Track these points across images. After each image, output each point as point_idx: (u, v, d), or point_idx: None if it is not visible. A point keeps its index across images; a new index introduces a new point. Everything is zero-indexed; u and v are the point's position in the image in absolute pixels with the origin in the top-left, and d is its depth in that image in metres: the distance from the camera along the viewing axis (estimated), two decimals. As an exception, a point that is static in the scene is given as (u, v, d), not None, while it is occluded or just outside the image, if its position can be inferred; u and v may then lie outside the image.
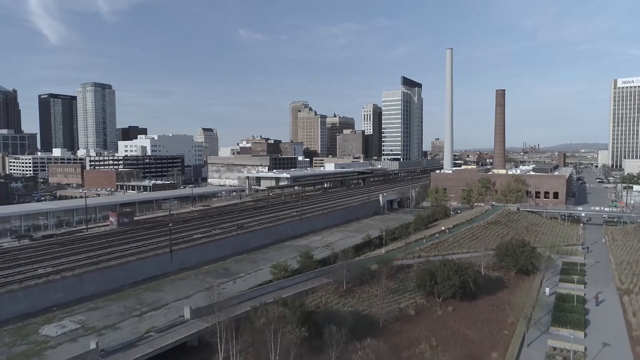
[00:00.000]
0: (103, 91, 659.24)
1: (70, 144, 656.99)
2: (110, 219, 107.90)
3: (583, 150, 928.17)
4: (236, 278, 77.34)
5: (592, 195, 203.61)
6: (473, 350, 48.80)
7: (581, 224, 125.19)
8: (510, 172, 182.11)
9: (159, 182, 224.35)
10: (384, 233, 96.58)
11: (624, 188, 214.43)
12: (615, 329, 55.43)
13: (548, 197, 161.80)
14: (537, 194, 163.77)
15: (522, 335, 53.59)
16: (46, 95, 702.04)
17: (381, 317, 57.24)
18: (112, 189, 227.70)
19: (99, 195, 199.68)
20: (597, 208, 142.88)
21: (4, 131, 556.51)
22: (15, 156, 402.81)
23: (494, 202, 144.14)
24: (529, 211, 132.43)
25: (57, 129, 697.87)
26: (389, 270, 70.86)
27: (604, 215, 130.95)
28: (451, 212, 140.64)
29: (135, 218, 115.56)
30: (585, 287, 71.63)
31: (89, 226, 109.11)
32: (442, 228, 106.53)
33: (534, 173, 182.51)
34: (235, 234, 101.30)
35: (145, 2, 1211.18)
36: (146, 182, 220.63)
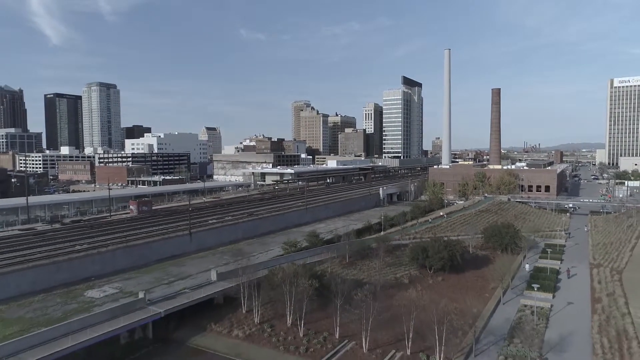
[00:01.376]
0: (108, 91, 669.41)
1: (76, 142, 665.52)
2: (131, 207, 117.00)
3: (584, 150, 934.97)
4: (250, 256, 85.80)
5: (585, 190, 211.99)
6: (456, 305, 57.48)
7: (568, 214, 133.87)
8: (504, 168, 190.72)
9: (168, 177, 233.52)
10: (382, 219, 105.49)
11: (616, 184, 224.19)
12: (580, 292, 64.31)
13: (540, 191, 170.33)
14: (530, 187, 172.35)
15: (500, 296, 62.48)
16: (52, 95, 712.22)
17: (379, 283, 65.98)
18: (123, 184, 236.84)
19: (110, 189, 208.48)
20: (585, 200, 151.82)
21: (12, 130, 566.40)
22: (26, 154, 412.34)
23: (486, 194, 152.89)
24: (519, 202, 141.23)
25: (62, 127, 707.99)
26: (386, 248, 79.74)
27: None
28: (446, 203, 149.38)
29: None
30: (561, 263, 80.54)
31: (110, 214, 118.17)
32: (441, 213, 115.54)
33: (526, 168, 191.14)
34: (246, 220, 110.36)
35: (146, 2, 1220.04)
36: (156, 178, 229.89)
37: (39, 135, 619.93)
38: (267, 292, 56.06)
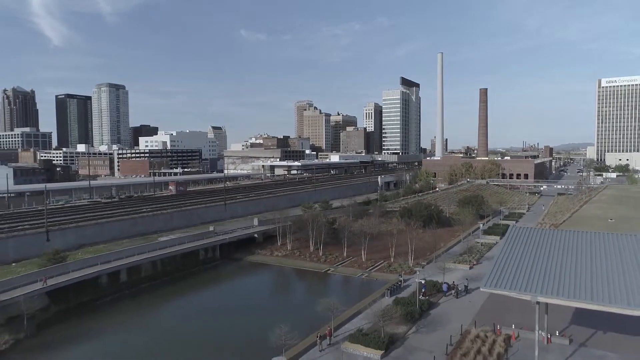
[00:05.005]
0: (117, 91, 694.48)
1: (85, 141, 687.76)
2: (170, 187, 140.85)
3: (582, 149, 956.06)
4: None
5: (565, 180, 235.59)
6: (427, 243, 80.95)
7: (536, 194, 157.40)
8: (489, 159, 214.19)
9: (186, 170, 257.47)
10: (379, 195, 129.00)
11: (595, 175, 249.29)
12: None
13: (520, 178, 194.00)
14: (511, 175, 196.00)
15: (461, 238, 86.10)
16: (63, 96, 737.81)
17: (374, 232, 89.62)
18: (145, 175, 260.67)
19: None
20: (557, 186, 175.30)
21: (27, 129, 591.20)
22: (46, 151, 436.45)
23: (468, 179, 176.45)
24: (496, 184, 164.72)
25: (72, 127, 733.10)
26: (381, 211, 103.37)
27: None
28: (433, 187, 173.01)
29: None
30: (516, 222, 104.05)
31: (154, 192, 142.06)
32: (436, 189, 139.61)
33: (508, 158, 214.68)
34: (267, 197, 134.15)
35: (146, 3, 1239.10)
36: (176, 170, 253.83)
37: (49, 134, 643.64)
38: (295, 233, 79.80)
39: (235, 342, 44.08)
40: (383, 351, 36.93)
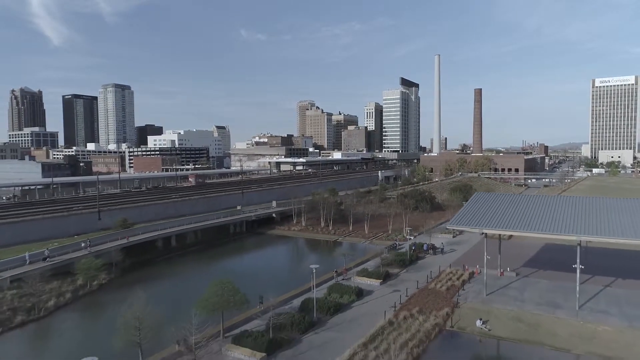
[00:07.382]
0: (123, 92, 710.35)
1: (92, 140, 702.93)
2: (190, 179, 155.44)
3: (582, 149, 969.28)
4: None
5: (554, 174, 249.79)
6: (419, 222, 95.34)
7: (523, 186, 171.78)
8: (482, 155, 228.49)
9: (197, 166, 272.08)
10: (379, 185, 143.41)
11: (585, 170, 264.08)
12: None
13: (511, 171, 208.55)
14: (503, 169, 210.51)
15: (449, 218, 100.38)
16: (70, 96, 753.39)
17: (375, 213, 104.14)
18: (157, 171, 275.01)
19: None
20: (545, 180, 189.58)
21: (36, 129, 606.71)
22: (58, 149, 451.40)
23: (461, 172, 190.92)
24: (487, 177, 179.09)
25: (79, 126, 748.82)
26: (380, 197, 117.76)
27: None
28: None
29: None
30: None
31: (176, 184, 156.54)
32: (435, 179, 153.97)
33: (501, 154, 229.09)
34: (278, 187, 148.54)
35: (146, 3, 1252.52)
36: (188, 167, 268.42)
37: (56, 133, 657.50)
38: (308, 213, 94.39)
39: (275, 277, 59.38)
40: (381, 280, 51.47)
